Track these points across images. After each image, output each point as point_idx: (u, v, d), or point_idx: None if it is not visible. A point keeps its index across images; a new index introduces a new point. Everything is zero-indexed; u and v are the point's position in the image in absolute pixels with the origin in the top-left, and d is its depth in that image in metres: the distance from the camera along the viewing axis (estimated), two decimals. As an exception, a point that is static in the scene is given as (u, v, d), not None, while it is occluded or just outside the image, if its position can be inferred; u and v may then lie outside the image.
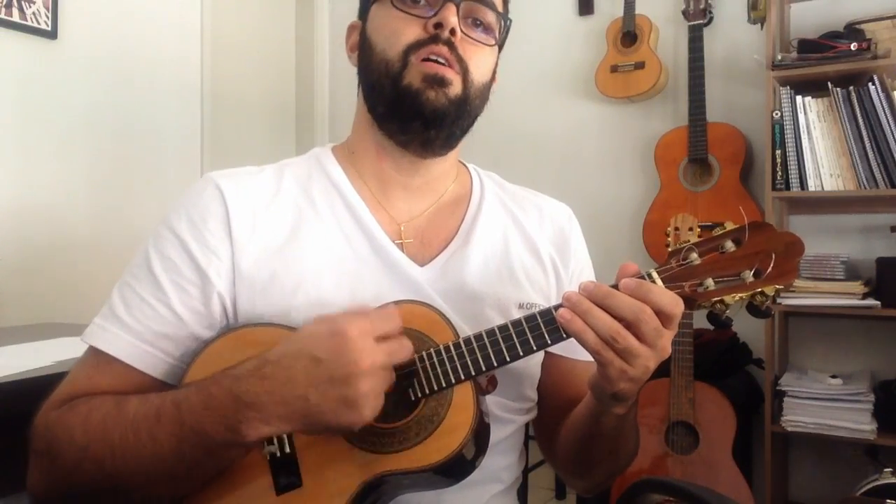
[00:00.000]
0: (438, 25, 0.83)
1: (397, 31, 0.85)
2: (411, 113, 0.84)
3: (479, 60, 0.87)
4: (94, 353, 0.81)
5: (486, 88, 0.90)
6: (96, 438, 0.73)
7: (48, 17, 2.34)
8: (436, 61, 0.83)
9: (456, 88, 0.85)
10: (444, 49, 0.83)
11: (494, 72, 0.93)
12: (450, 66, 0.84)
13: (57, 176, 2.40)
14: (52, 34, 2.36)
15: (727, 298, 0.74)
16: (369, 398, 0.68)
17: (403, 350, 0.72)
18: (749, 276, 0.73)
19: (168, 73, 2.79)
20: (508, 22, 0.91)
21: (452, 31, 0.83)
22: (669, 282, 0.73)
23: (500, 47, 0.93)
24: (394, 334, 0.72)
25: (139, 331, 0.80)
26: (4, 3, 2.22)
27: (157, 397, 0.74)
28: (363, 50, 0.90)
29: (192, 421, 0.70)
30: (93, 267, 2.45)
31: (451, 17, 0.83)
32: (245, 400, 0.69)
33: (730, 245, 0.74)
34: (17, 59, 2.29)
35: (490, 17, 0.88)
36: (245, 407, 0.69)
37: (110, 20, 2.57)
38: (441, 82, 0.83)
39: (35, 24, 2.31)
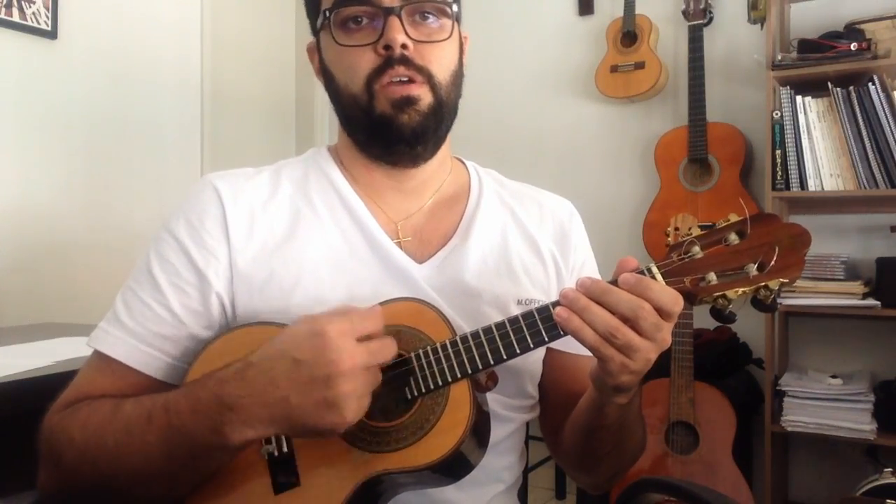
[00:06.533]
0: (388, 47, 0.82)
1: (353, 65, 0.84)
2: (392, 138, 0.85)
3: (440, 57, 0.86)
4: (98, 357, 0.83)
5: (458, 76, 0.89)
6: (93, 442, 0.74)
7: (48, 17, 2.34)
8: (399, 81, 0.82)
9: (426, 99, 0.84)
10: (401, 69, 0.82)
11: (462, 51, 0.91)
12: (413, 81, 0.83)
13: (56, 176, 2.40)
14: (52, 34, 2.36)
15: (729, 293, 0.71)
16: (351, 399, 0.67)
17: (386, 349, 0.71)
18: (752, 269, 0.70)
19: (168, 73, 2.79)
20: (458, 5, 0.88)
21: (404, 46, 0.82)
22: (670, 277, 0.71)
23: (458, 21, 0.89)
24: (377, 334, 0.71)
25: (139, 332, 0.81)
26: (4, 3, 2.21)
27: (149, 400, 0.74)
28: (326, 79, 0.90)
29: (179, 424, 0.71)
30: (92, 267, 2.45)
31: (397, 36, 0.81)
32: (227, 402, 0.69)
33: (733, 238, 0.71)
34: (17, 59, 2.28)
35: (438, 5, 0.85)
36: (227, 409, 0.69)
37: (110, 20, 2.57)
38: (409, 102, 0.83)
39: (35, 24, 2.30)
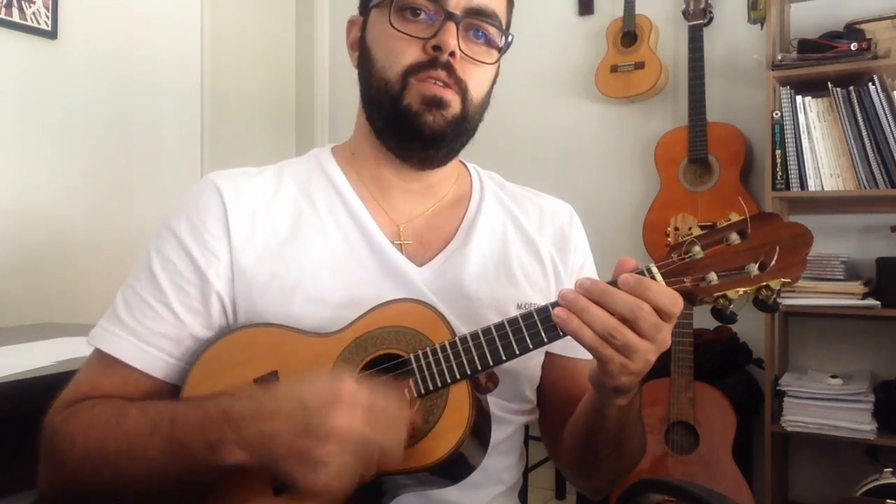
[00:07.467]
0: (437, 48, 0.82)
1: (396, 51, 0.84)
2: (409, 134, 0.85)
3: (479, 77, 0.87)
4: (98, 355, 0.82)
5: (485, 102, 0.90)
6: (94, 447, 0.74)
7: (48, 17, 2.34)
8: (434, 83, 0.83)
9: (454, 109, 0.84)
10: (442, 73, 0.83)
11: (495, 78, 0.92)
12: (448, 87, 0.83)
13: (56, 176, 2.40)
14: (52, 34, 2.36)
15: (730, 293, 0.71)
16: (328, 466, 0.65)
17: (392, 438, 0.68)
18: (754, 269, 0.70)
19: (168, 73, 2.79)
20: (510, 38, 0.90)
21: (452, 53, 0.82)
22: (670, 277, 0.71)
23: (502, 54, 0.91)
24: (391, 418, 0.69)
25: (139, 331, 0.81)
26: (4, 3, 2.22)
27: (155, 411, 0.74)
28: (363, 57, 0.89)
29: (181, 437, 0.71)
30: (92, 267, 2.45)
31: (451, 41, 0.82)
32: (231, 418, 0.69)
33: (734, 237, 0.71)
34: (17, 59, 2.28)
35: (492, 31, 0.87)
36: (228, 424, 0.69)
37: (110, 20, 2.57)
38: (439, 104, 0.83)
39: (35, 24, 2.31)
